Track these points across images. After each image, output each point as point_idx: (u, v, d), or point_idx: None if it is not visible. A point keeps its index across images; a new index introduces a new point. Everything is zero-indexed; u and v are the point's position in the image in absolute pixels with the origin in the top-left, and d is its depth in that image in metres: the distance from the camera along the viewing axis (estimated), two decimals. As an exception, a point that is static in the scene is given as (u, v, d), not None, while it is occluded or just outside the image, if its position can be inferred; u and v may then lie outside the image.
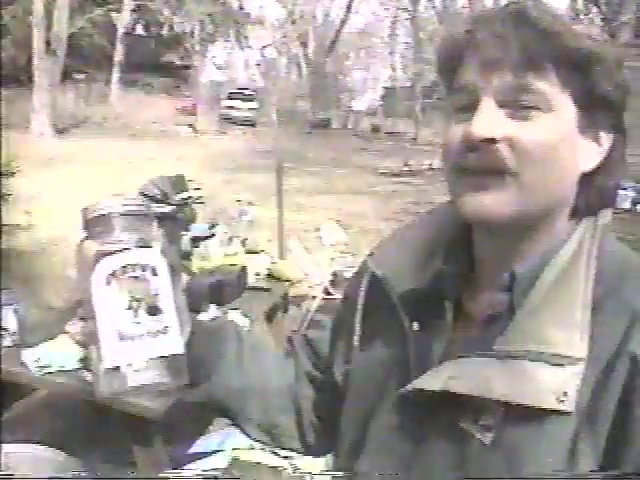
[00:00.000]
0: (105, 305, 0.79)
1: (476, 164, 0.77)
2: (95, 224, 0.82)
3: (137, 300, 0.79)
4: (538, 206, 0.79)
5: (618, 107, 0.82)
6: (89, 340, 0.82)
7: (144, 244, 0.81)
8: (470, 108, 0.78)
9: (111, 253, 0.79)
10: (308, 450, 1.09)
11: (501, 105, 0.77)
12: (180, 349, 0.82)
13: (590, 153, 0.81)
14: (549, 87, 0.76)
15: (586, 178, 0.82)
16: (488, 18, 0.80)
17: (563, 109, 0.78)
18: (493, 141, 0.76)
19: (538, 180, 0.77)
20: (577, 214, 0.83)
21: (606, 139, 0.82)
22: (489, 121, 0.76)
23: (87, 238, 0.82)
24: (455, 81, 0.82)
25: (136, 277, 0.79)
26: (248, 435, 1.06)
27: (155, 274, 0.81)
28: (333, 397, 1.00)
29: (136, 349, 0.78)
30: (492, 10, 0.81)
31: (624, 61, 0.82)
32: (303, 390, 1.06)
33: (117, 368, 0.78)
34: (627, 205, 12.25)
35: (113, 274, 0.78)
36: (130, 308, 0.78)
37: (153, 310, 0.79)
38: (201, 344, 0.95)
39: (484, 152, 0.76)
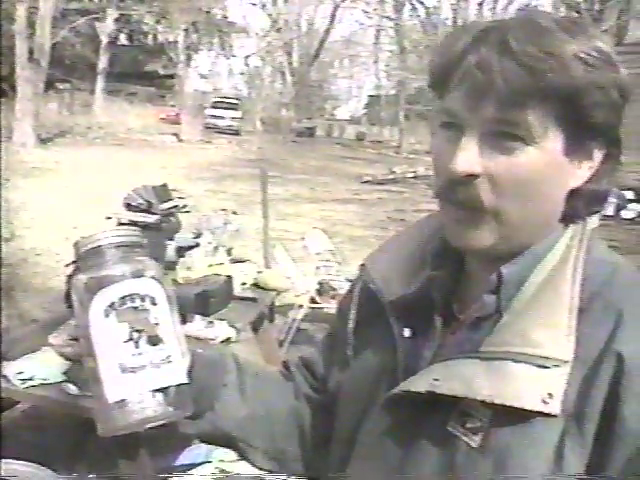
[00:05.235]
0: (104, 338, 0.77)
1: (457, 198, 0.79)
2: (88, 257, 0.80)
3: (137, 331, 0.77)
4: (520, 236, 0.81)
5: (614, 126, 0.79)
6: (89, 377, 0.80)
7: (139, 274, 0.80)
8: (454, 129, 0.79)
9: (107, 285, 0.78)
10: (311, 472, 1.08)
11: (485, 136, 0.77)
12: (184, 378, 0.81)
13: (579, 171, 0.80)
14: (534, 120, 0.75)
15: (575, 189, 0.81)
16: (474, 43, 0.77)
17: (549, 140, 0.76)
18: (474, 176, 0.77)
19: (518, 215, 0.78)
20: (566, 219, 0.83)
21: (598, 154, 0.80)
22: (470, 157, 0.77)
23: (80, 272, 0.81)
24: (443, 101, 0.81)
25: (135, 307, 0.78)
26: (254, 464, 1.04)
27: (154, 303, 0.79)
28: (331, 417, 0.99)
29: (139, 381, 0.77)
30: (478, 32, 0.78)
31: (622, 82, 0.77)
32: (303, 412, 1.05)
33: (120, 402, 0.77)
34: (610, 212, 12.34)
35: (112, 306, 0.77)
36: (131, 339, 0.77)
37: (154, 340, 0.78)
38: (202, 374, 0.93)
39: (465, 187, 0.77)
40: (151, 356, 0.77)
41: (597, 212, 0.86)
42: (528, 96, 0.74)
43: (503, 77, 0.74)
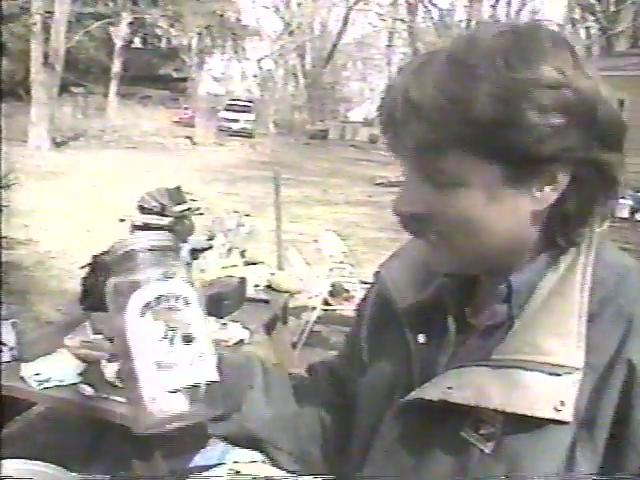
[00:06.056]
0: (141, 337, 0.80)
1: (411, 230, 0.83)
2: (121, 261, 0.83)
3: (172, 329, 0.80)
4: (479, 260, 0.81)
5: (567, 149, 0.73)
6: (125, 376, 0.82)
7: (171, 276, 0.83)
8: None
9: (139, 288, 0.80)
10: (336, 474, 1.08)
11: (423, 176, 0.77)
12: (216, 376, 0.83)
13: (540, 194, 0.76)
14: (454, 166, 0.74)
15: (551, 209, 0.77)
16: (388, 91, 0.77)
17: (480, 177, 0.74)
18: (417, 214, 0.79)
19: (469, 247, 0.79)
20: (550, 239, 0.80)
21: (562, 177, 0.75)
22: (409, 198, 0.79)
23: (114, 275, 0.83)
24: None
25: (170, 307, 0.81)
26: (280, 466, 1.05)
27: (187, 304, 0.82)
28: (353, 420, 1.00)
29: (174, 378, 0.79)
30: (390, 87, 0.78)
31: (567, 102, 0.71)
32: (326, 415, 1.06)
33: (156, 398, 0.79)
34: (625, 214, 12.25)
35: (147, 305, 0.80)
36: (166, 337, 0.79)
37: (188, 338, 0.81)
38: (229, 377, 0.93)
39: (413, 222, 0.80)
40: (185, 354, 0.80)
41: (578, 243, 0.81)
42: (438, 147, 0.73)
43: (407, 132, 0.74)
